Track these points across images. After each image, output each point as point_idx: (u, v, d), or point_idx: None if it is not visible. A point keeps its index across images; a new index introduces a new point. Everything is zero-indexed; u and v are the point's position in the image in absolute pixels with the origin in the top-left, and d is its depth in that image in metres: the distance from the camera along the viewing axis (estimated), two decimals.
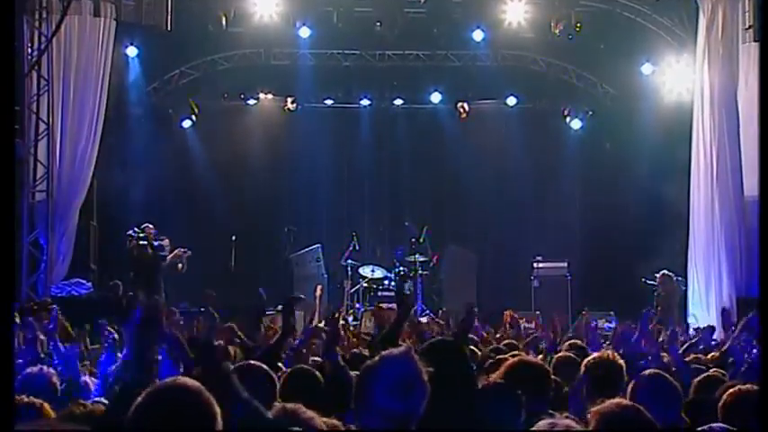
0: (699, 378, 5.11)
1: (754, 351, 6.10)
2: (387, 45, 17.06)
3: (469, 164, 18.94)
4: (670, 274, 12.99)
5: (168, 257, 14.07)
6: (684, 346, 7.64)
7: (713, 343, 8.12)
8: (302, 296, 7.43)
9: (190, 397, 2.71)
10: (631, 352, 5.54)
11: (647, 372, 4.34)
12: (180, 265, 14.39)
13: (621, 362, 4.81)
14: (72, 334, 8.20)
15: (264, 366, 4.18)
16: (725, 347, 6.89)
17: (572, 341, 7.17)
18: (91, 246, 14.67)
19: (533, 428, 3.03)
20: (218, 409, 2.72)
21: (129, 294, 14.00)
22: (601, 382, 4.57)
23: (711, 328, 8.81)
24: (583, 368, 4.86)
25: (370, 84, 18.39)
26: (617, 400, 3.27)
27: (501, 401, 4.12)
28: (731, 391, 4.40)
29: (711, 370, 5.78)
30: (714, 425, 4.07)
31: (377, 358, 3.27)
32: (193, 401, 2.70)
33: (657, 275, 13.15)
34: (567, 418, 3.41)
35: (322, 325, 8.43)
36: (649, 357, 5.65)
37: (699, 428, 4.09)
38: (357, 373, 3.50)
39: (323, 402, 3.80)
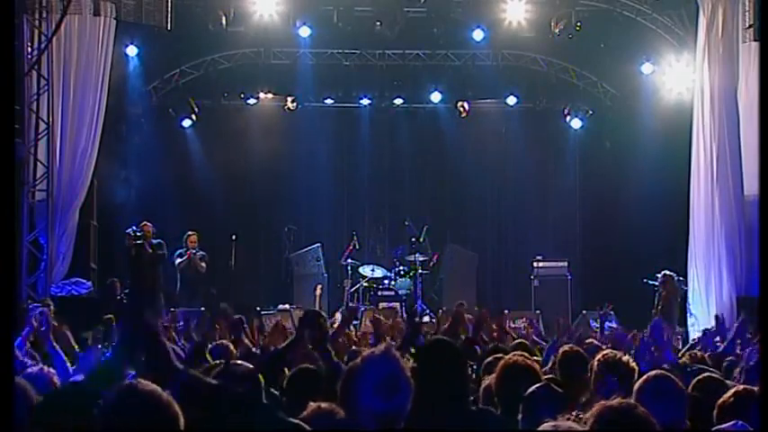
0: (698, 378, 5.11)
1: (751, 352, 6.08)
2: (387, 45, 17.06)
3: (469, 163, 18.95)
4: (672, 274, 12.98)
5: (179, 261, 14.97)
6: (685, 349, 7.64)
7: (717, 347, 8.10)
8: (323, 314, 7.41)
9: (152, 401, 2.69)
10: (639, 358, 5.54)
11: (652, 373, 4.34)
12: (203, 265, 14.85)
13: (634, 364, 4.82)
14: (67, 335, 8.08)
15: (250, 366, 4.16)
16: (720, 349, 6.90)
17: (587, 341, 7.19)
18: (91, 245, 14.67)
19: (537, 430, 3.03)
20: (179, 412, 2.72)
21: (127, 292, 14.04)
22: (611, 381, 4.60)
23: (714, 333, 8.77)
24: (596, 365, 4.87)
25: (370, 83, 18.37)
26: (617, 399, 3.25)
27: (550, 403, 4.14)
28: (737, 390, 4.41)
29: (707, 372, 5.78)
30: (730, 423, 4.06)
31: (358, 359, 3.29)
32: (155, 405, 2.69)
33: (659, 276, 13.15)
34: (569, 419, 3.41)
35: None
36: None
37: (720, 427, 4.07)
38: None
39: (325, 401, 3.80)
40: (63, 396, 2.76)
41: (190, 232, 15.39)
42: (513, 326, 10.79)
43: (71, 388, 2.81)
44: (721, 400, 4.37)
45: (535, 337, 8.89)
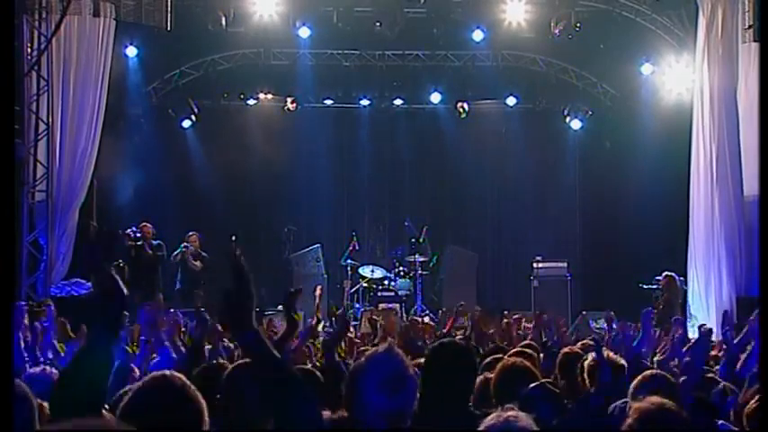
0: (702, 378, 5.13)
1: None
2: (387, 45, 17.06)
3: (469, 164, 18.96)
4: (672, 274, 12.97)
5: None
6: (684, 349, 7.62)
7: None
8: (300, 287, 7.41)
9: (177, 394, 2.70)
10: (632, 354, 5.55)
11: (648, 372, 4.36)
12: (196, 264, 14.75)
13: (623, 362, 4.84)
14: (71, 334, 8.20)
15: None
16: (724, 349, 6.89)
17: (584, 341, 7.19)
18: None
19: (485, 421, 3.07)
20: (204, 405, 2.73)
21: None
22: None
23: (709, 331, 8.75)
24: (588, 366, 4.89)
25: (370, 84, 18.37)
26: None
27: (546, 403, 4.15)
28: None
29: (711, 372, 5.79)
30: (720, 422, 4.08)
31: (362, 359, 3.30)
32: (181, 398, 2.69)
33: (660, 277, 13.13)
34: None
35: (318, 325, 8.45)
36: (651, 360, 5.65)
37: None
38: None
39: (323, 402, 3.80)
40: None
41: (191, 233, 15.35)
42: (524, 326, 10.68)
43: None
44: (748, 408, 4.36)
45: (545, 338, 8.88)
